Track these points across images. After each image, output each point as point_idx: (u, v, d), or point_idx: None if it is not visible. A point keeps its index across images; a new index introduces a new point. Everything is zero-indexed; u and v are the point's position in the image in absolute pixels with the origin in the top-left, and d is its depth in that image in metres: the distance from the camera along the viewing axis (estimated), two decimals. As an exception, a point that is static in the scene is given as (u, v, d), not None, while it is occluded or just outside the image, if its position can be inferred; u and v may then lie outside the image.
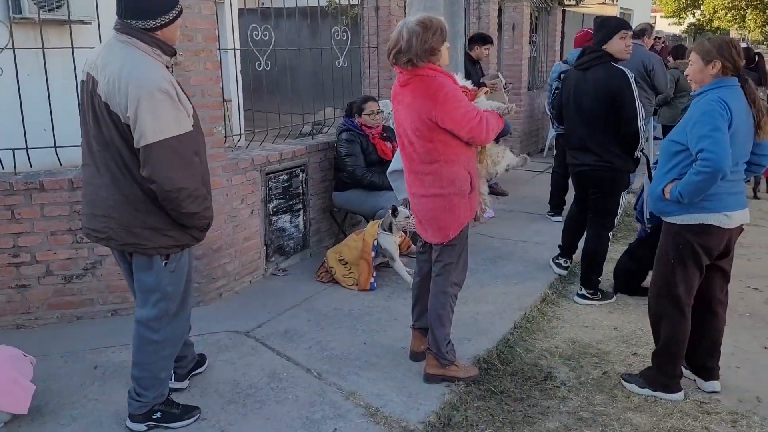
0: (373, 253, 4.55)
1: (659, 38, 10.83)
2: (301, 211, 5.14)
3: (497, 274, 4.92)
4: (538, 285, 4.66)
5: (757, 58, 7.10)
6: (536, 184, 8.16)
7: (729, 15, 22.73)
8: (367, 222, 5.01)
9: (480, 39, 7.19)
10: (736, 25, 24.15)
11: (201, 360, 3.43)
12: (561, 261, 4.94)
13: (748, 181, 7.48)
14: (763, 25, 24.76)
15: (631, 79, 4.11)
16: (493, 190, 7.51)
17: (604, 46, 4.23)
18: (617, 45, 4.20)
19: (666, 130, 8.56)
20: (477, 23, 8.20)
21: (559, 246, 4.99)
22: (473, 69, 7.31)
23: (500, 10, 9.41)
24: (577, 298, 4.54)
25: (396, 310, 4.24)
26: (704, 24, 28.10)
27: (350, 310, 4.26)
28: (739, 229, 3.22)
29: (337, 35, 5.63)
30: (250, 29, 4.86)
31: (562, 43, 11.34)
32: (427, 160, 3.08)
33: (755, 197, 7.69)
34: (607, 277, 4.85)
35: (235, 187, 4.43)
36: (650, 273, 3.63)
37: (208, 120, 4.05)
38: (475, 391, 3.30)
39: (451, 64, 5.68)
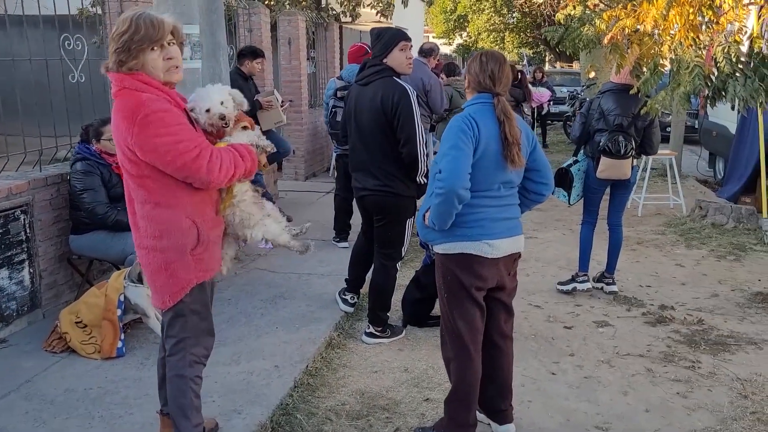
0: (119, 311, 3.68)
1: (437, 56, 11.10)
2: (26, 263, 4.08)
3: (277, 318, 4.32)
4: (323, 327, 4.15)
5: (520, 76, 7.39)
6: (322, 206, 7.73)
7: (491, 37, 24.84)
8: (118, 269, 4.13)
9: (250, 52, 6.59)
10: (496, 46, 26.48)
11: None
12: (348, 296, 4.48)
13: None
14: (519, 47, 27.51)
15: (413, 97, 3.77)
16: (275, 216, 6.94)
17: (384, 60, 3.86)
18: (398, 58, 3.85)
19: (444, 146, 8.68)
20: (248, 36, 7.59)
21: (346, 279, 4.54)
22: (246, 86, 6.67)
23: (275, 24, 8.91)
24: (365, 338, 4.11)
25: (150, 381, 3.42)
26: (471, 45, 30.47)
27: (87, 389, 3.35)
28: (513, 259, 2.97)
29: (69, 44, 4.67)
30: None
31: (341, 59, 11.16)
32: (139, 199, 2.40)
33: (527, 209, 8.00)
34: (396, 307, 4.52)
35: None
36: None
37: None
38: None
39: (214, 79, 5.00)
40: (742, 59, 3.55)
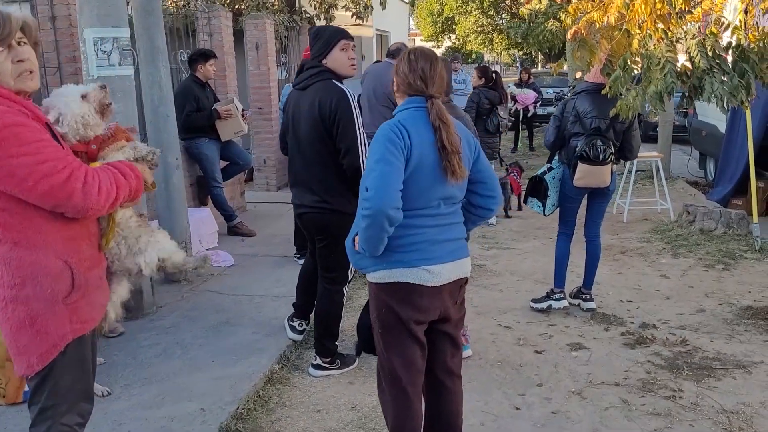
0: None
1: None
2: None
3: (217, 349, 3.91)
4: (264, 360, 3.75)
5: (495, 77, 7.02)
6: (291, 218, 7.28)
7: (479, 39, 24.48)
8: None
9: (200, 55, 6.20)
10: (485, 48, 26.11)
11: None
12: (296, 323, 4.07)
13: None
14: (508, 48, 27.15)
15: (353, 101, 3.39)
16: (238, 230, 6.55)
17: (323, 61, 3.47)
18: (338, 58, 3.46)
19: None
20: (209, 41, 7.21)
21: (294, 304, 4.13)
22: (203, 93, 6.31)
23: (242, 29, 8.54)
24: (311, 371, 3.71)
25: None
26: (459, 47, 30.11)
27: (-19, 443, 2.96)
28: (459, 285, 2.58)
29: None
30: None
31: (316, 64, 10.79)
32: None
33: (507, 216, 7.63)
34: (352, 332, 4.13)
35: None
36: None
37: None
38: None
39: (154, 87, 4.61)
40: (720, 53, 3.17)
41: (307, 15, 10.32)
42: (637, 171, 9.60)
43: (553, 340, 4.21)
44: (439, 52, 33.93)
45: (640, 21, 3.14)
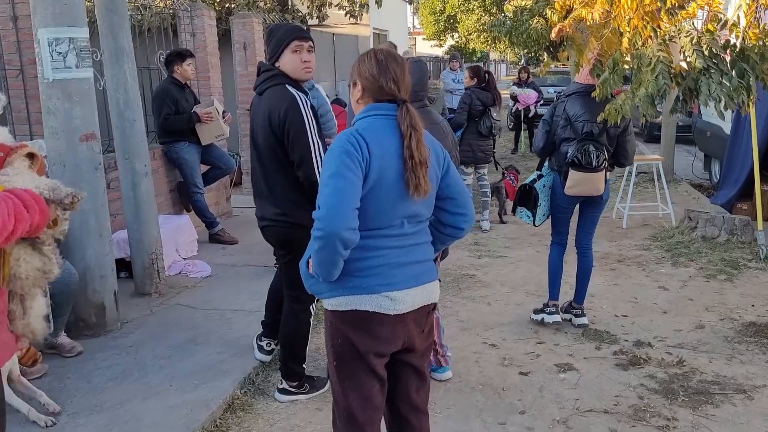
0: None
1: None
2: None
3: (177, 371, 3.66)
4: (227, 383, 3.49)
5: (488, 77, 6.73)
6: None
7: (481, 37, 24.16)
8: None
9: (176, 56, 5.95)
10: (488, 47, 25.77)
11: None
12: (264, 343, 3.81)
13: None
14: (512, 46, 26.68)
15: (304, 108, 3.10)
16: (219, 238, 6.30)
17: (276, 63, 3.21)
18: (290, 61, 3.18)
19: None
20: (191, 40, 6.95)
21: (262, 322, 3.87)
22: (182, 95, 6.06)
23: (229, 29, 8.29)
24: (277, 395, 3.45)
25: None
26: (462, 46, 29.74)
27: None
28: (425, 312, 2.32)
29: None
30: None
31: (309, 64, 10.53)
32: None
33: (501, 222, 7.35)
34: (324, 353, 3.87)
35: None
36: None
37: None
38: None
39: (119, 90, 4.36)
40: (718, 52, 2.88)
41: (300, 14, 10.06)
42: (638, 173, 9.35)
43: (541, 359, 3.94)
44: (442, 51, 33.60)
45: (627, 18, 2.86)
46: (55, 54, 3.76)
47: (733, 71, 2.82)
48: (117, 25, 4.33)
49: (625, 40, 3.07)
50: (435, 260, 2.45)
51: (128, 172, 4.56)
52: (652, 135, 12.86)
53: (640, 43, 2.93)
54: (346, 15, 10.34)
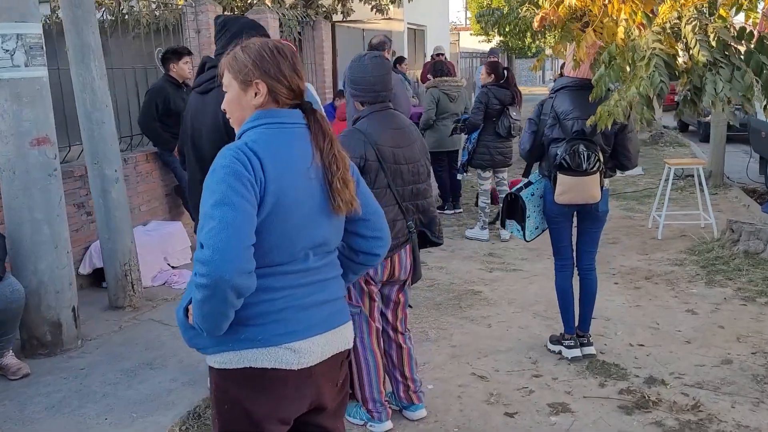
0: None
1: (441, 54, 9.96)
2: None
3: (120, 400, 3.32)
4: (167, 419, 3.12)
5: (506, 74, 6.19)
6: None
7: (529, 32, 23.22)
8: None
9: (172, 53, 5.68)
10: (543, 42, 24.83)
11: None
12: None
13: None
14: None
15: None
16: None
17: (225, 60, 2.82)
18: None
19: (433, 157, 7.53)
20: (196, 37, 6.69)
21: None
22: (178, 94, 5.77)
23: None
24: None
25: None
26: (509, 41, 28.79)
27: None
28: (338, 362, 1.90)
29: None
30: None
31: (334, 61, 10.18)
32: None
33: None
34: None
35: None
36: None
37: None
38: None
39: (86, 90, 4.08)
40: (728, 43, 2.33)
41: (323, 9, 9.70)
42: (685, 177, 8.62)
43: (533, 397, 3.44)
44: (488, 47, 32.59)
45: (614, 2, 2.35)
46: (2, 51, 3.49)
47: (749, 65, 2.28)
48: (81, 20, 4.04)
49: (620, 30, 2.56)
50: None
51: (97, 178, 4.28)
52: (707, 134, 11.96)
53: (636, 33, 2.42)
54: (372, 10, 9.93)
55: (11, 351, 3.59)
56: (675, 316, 4.46)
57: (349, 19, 10.28)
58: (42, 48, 3.65)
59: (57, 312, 3.79)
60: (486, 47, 33.34)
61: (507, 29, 3.72)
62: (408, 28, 13.75)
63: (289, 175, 1.74)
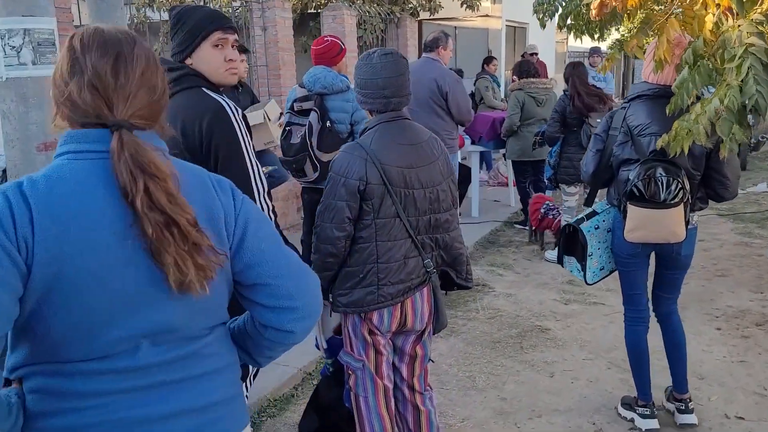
0: None
1: (534, 54, 9.16)
2: None
3: None
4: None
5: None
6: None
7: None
8: None
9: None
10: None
11: None
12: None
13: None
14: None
15: (235, 119, 2.23)
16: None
17: (188, 60, 2.34)
18: (210, 59, 2.25)
19: (516, 167, 6.83)
20: (262, 35, 6.36)
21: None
22: (231, 95, 5.44)
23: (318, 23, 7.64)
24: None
25: None
26: (628, 39, 27.02)
27: None
28: None
29: None
30: None
31: (420, 60, 9.63)
32: None
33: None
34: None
35: None
36: None
37: None
38: None
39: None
40: None
41: (410, 6, 9.18)
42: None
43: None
44: (605, 45, 30.76)
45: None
46: (8, 48, 3.23)
47: None
48: (105, 14, 3.74)
49: (708, 21, 1.85)
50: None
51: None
52: None
53: (726, 25, 1.71)
54: (462, 6, 9.29)
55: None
56: (791, 380, 3.56)
57: (438, 16, 9.70)
58: (54, 44, 3.36)
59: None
60: (602, 46, 31.61)
61: (570, 21, 3.02)
62: (507, 25, 12.93)
63: (80, 234, 1.16)
